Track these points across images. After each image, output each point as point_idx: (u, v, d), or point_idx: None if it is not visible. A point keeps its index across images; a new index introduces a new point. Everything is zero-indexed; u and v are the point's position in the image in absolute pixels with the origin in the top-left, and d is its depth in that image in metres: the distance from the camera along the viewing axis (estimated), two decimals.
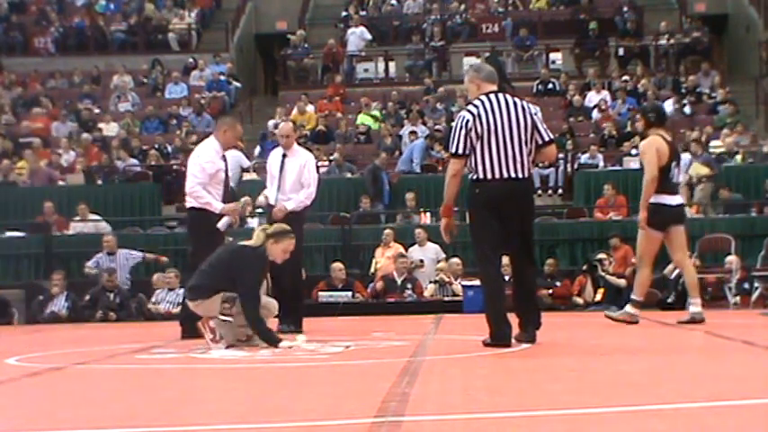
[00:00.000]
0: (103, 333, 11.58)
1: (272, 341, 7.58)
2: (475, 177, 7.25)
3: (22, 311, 15.60)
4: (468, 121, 7.21)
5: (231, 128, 9.71)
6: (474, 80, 7.43)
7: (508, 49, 24.99)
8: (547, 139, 7.37)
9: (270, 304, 8.05)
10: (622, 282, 15.02)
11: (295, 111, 22.27)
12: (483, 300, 7.40)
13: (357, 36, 25.22)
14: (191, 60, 25.28)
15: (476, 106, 7.26)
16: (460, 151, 7.23)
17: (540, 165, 18.01)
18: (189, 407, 4.59)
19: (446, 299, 14.95)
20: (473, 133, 7.19)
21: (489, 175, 7.17)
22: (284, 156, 9.98)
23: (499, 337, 7.09)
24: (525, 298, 7.42)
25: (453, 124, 7.50)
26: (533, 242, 7.54)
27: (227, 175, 9.66)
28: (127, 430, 3.94)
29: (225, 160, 9.64)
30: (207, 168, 9.33)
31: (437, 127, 20.72)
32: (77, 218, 17.90)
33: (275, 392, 5.06)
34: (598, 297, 15.09)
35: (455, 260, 15.39)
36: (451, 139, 7.33)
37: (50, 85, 24.93)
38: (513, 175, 7.19)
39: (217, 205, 9.34)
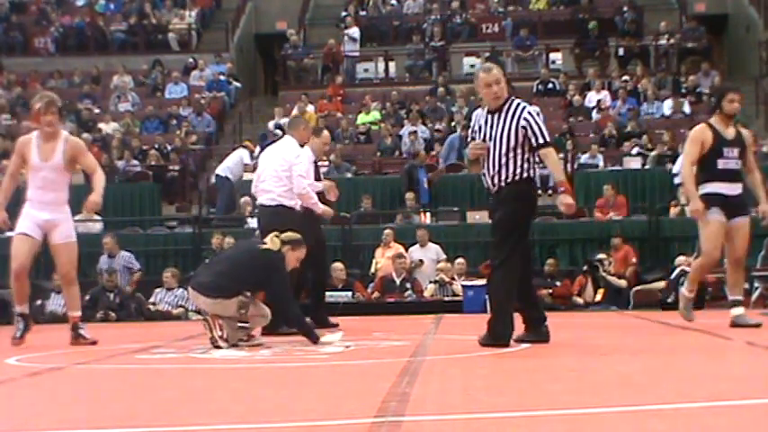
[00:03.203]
0: (103, 333, 11.55)
1: (314, 338, 7.83)
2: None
3: None
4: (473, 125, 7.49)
5: (307, 126, 9.94)
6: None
7: (508, 49, 24.96)
8: (541, 141, 7.42)
9: (264, 310, 8.09)
10: (622, 282, 15.02)
11: (295, 111, 22.24)
12: (498, 294, 7.22)
13: (349, 36, 25.21)
14: (191, 60, 25.26)
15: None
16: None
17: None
18: (189, 407, 4.59)
19: (446, 299, 14.95)
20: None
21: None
22: None
23: (499, 336, 7.09)
24: (525, 294, 7.44)
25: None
26: (506, 237, 7.24)
27: None
28: (127, 430, 3.94)
29: None
30: (311, 169, 9.55)
31: (437, 127, 20.72)
32: (78, 217, 17.85)
33: (275, 392, 5.06)
34: (598, 297, 15.10)
35: (459, 260, 15.44)
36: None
37: (50, 85, 24.82)
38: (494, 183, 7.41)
39: (320, 206, 9.73)
